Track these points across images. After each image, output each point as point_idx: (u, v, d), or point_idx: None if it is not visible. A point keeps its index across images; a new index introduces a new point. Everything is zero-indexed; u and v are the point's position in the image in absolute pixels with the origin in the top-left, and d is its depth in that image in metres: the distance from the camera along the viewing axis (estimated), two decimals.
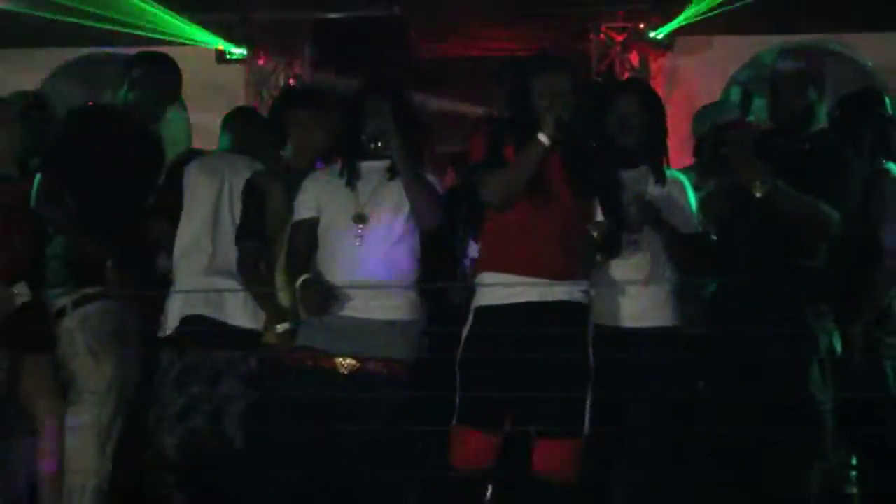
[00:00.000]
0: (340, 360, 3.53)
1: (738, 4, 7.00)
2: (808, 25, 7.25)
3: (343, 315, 3.55)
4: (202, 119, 6.69)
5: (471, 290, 3.63)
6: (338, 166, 3.72)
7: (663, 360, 3.54)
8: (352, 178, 3.66)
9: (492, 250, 3.61)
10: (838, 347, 3.74)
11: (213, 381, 3.91)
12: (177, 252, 4.07)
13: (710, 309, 3.89)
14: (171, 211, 4.11)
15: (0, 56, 7.32)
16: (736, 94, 6.83)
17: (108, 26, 7.09)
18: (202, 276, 3.97)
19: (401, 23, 7.77)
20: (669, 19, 7.52)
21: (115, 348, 3.90)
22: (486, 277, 3.56)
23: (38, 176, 3.94)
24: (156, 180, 4.28)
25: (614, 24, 7.71)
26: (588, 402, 3.43)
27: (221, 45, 7.71)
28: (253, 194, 3.88)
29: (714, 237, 3.90)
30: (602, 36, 7.73)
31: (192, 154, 4.46)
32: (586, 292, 3.54)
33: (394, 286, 3.55)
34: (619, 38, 7.70)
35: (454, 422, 3.48)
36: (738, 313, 3.61)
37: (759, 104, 4.64)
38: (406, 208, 3.61)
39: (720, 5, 7.10)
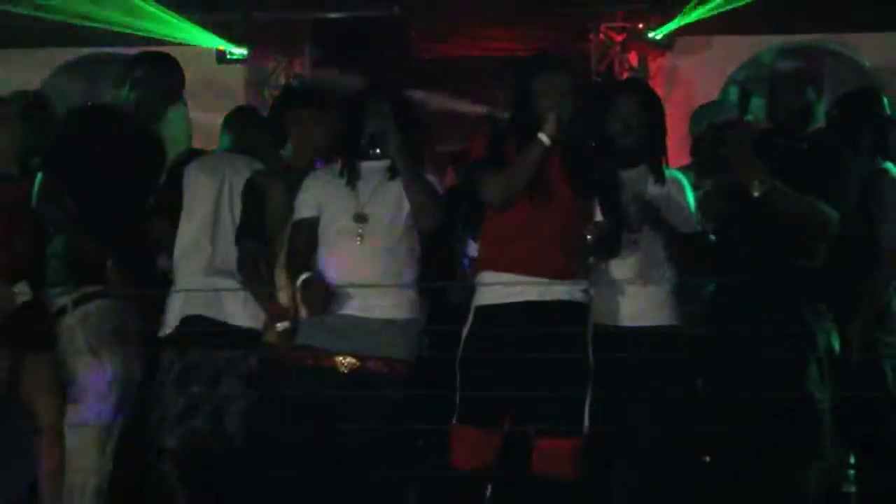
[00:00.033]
0: (340, 358, 3.54)
1: (737, 4, 7.02)
2: (808, 25, 7.24)
3: (343, 314, 3.55)
4: (202, 119, 6.69)
5: (470, 290, 3.64)
6: (338, 166, 3.73)
7: (663, 360, 3.54)
8: (352, 177, 3.67)
9: (492, 250, 3.62)
10: (837, 347, 3.75)
11: (213, 380, 3.91)
12: (177, 252, 4.08)
13: (709, 308, 3.89)
14: (172, 211, 4.11)
15: (0, 56, 7.31)
16: (734, 94, 6.83)
17: (109, 26, 7.09)
18: (202, 276, 3.98)
19: (401, 23, 7.77)
20: (668, 19, 7.52)
21: (116, 347, 3.90)
22: (486, 277, 3.57)
23: (39, 175, 3.95)
24: (156, 180, 4.28)
25: (613, 24, 7.71)
26: (587, 402, 3.44)
27: (222, 44, 7.71)
28: (253, 194, 3.88)
29: (713, 237, 3.91)
30: (601, 36, 7.73)
31: (192, 154, 4.46)
32: (586, 292, 3.55)
33: (394, 285, 3.56)
34: (619, 39, 7.70)
35: (454, 421, 3.48)
36: (737, 313, 3.62)
37: (757, 104, 4.64)
38: (406, 208, 3.62)
39: (719, 6, 7.12)
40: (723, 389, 3.57)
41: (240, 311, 3.92)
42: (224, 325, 3.92)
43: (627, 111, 3.80)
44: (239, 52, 7.74)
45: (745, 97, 5.28)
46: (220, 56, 7.75)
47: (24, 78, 6.35)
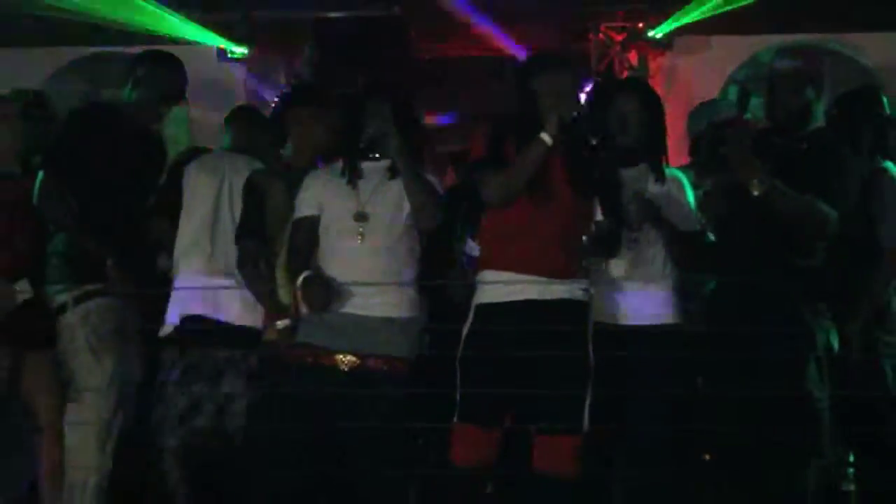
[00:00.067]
0: (341, 356, 3.54)
1: (737, 5, 7.02)
2: (808, 25, 7.25)
3: (343, 312, 3.56)
4: (202, 118, 6.68)
5: (471, 288, 3.64)
6: (339, 165, 3.74)
7: (663, 358, 3.55)
8: (353, 176, 3.67)
9: (492, 249, 3.63)
10: (836, 346, 3.75)
11: (215, 380, 3.92)
12: (177, 251, 4.08)
13: (709, 307, 3.90)
14: (172, 210, 4.12)
15: (1, 55, 7.31)
16: (733, 93, 6.83)
17: (109, 26, 7.09)
18: (202, 276, 3.98)
19: (401, 23, 7.77)
20: (668, 19, 7.54)
21: (116, 345, 3.91)
22: (487, 275, 3.57)
23: (40, 174, 3.95)
24: (157, 179, 4.28)
25: (613, 24, 7.70)
26: (588, 400, 3.45)
27: (222, 43, 7.71)
28: (253, 193, 3.88)
29: (712, 236, 3.92)
30: (601, 35, 7.73)
31: (193, 153, 4.46)
32: (586, 290, 3.56)
33: (394, 283, 3.57)
34: (619, 38, 7.70)
35: (455, 419, 3.49)
36: (737, 312, 3.62)
37: (756, 103, 4.65)
38: (406, 207, 3.62)
39: (719, 6, 7.12)
40: (723, 388, 3.58)
41: (240, 310, 3.92)
42: (224, 324, 3.92)
43: (627, 110, 3.81)
44: (239, 50, 7.73)
45: (744, 96, 5.28)
46: (221, 55, 7.75)
47: (24, 78, 6.35)
